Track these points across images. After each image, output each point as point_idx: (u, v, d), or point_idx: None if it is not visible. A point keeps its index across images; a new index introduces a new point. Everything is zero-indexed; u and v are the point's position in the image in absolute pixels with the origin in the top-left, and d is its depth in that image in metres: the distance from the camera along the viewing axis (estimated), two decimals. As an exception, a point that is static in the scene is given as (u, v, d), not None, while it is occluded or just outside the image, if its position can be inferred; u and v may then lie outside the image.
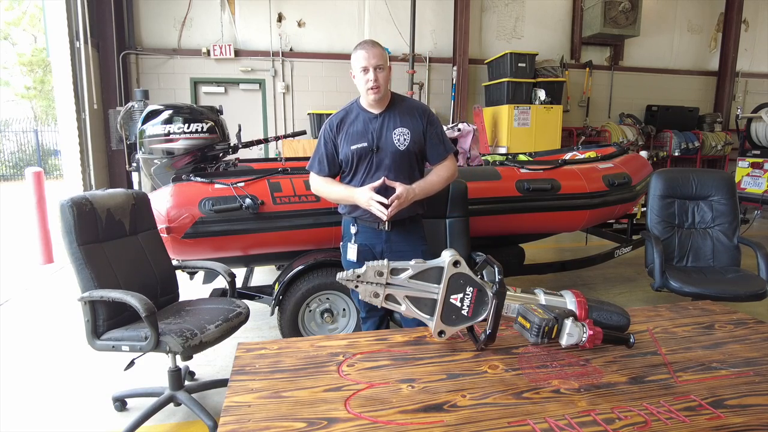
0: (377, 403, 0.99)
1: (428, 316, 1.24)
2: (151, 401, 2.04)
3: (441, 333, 1.24)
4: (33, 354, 2.80)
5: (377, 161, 1.90)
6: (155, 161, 2.65)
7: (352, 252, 1.98)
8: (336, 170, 2.00)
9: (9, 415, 2.18)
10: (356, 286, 1.21)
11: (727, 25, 8.51)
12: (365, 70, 1.82)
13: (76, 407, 2.24)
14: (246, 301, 2.26)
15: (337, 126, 1.95)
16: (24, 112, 17.78)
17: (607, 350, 1.23)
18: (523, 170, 2.95)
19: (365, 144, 1.89)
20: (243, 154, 3.73)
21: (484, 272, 1.29)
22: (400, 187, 1.81)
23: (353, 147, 1.90)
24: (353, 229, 1.99)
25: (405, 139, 1.89)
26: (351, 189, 1.90)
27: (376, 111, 1.92)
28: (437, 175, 1.96)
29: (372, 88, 1.83)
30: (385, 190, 1.84)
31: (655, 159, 7.85)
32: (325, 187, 2.00)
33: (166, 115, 2.61)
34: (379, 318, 2.07)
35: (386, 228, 1.93)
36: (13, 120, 14.72)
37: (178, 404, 2.10)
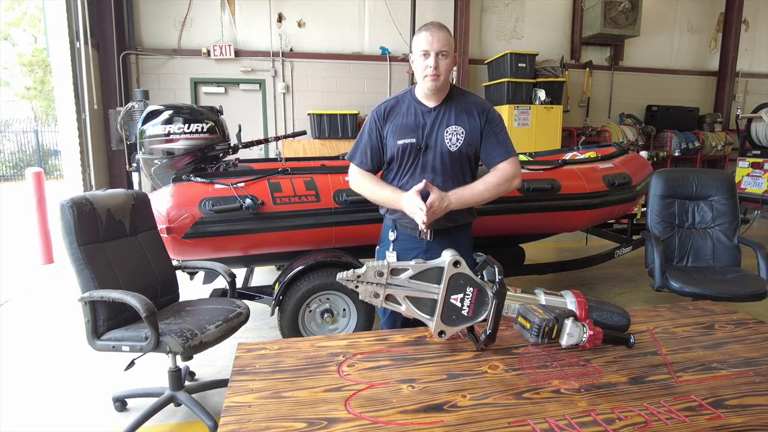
0: (377, 404, 0.99)
1: (428, 317, 1.24)
2: (152, 401, 2.04)
3: (441, 333, 1.24)
4: (33, 354, 2.80)
5: (423, 161, 1.72)
6: (155, 161, 2.65)
7: (389, 259, 1.81)
8: (380, 164, 1.80)
9: (9, 415, 2.18)
10: (356, 286, 1.21)
11: (727, 25, 8.51)
12: (426, 54, 1.63)
13: (76, 407, 2.24)
14: (246, 302, 2.26)
15: (385, 114, 1.76)
16: (24, 112, 17.81)
17: (608, 350, 1.23)
18: (523, 170, 2.95)
19: (413, 140, 1.71)
20: (243, 154, 3.72)
21: (484, 272, 1.29)
22: (433, 194, 1.61)
23: (400, 142, 1.71)
24: (392, 236, 1.81)
25: (458, 139, 1.71)
26: (397, 193, 1.70)
27: (431, 104, 1.73)
28: (483, 182, 1.72)
29: (431, 76, 1.64)
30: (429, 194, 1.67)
31: (655, 159, 7.85)
32: (367, 186, 1.80)
33: (166, 115, 2.61)
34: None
35: (428, 237, 1.74)
36: (13, 120, 14.75)
37: (178, 404, 2.10)
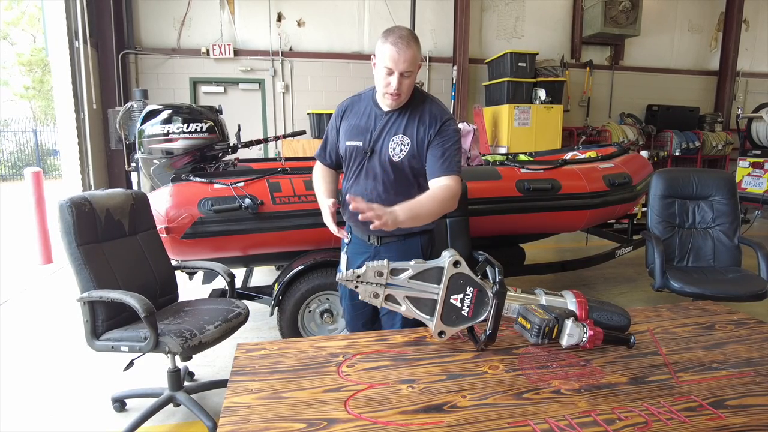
0: (377, 404, 0.98)
1: (428, 317, 1.23)
2: (151, 402, 2.04)
3: (441, 333, 1.23)
4: (33, 354, 2.80)
5: (367, 167, 1.66)
6: (154, 161, 2.65)
7: (342, 261, 1.80)
8: (339, 160, 1.77)
9: (9, 415, 2.18)
10: (356, 287, 1.20)
11: (728, 25, 8.50)
12: (390, 71, 1.53)
13: (76, 407, 2.24)
14: (245, 302, 2.25)
15: (343, 112, 1.74)
16: (23, 112, 17.78)
17: (608, 351, 1.23)
18: (523, 170, 2.95)
19: (360, 143, 1.65)
20: (242, 154, 3.72)
21: (485, 271, 1.29)
22: (379, 210, 1.32)
23: (348, 143, 1.68)
24: (347, 239, 1.78)
25: (401, 150, 1.61)
26: (322, 200, 1.71)
27: (386, 108, 1.65)
28: (431, 198, 1.53)
29: (392, 95, 1.57)
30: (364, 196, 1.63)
31: (655, 159, 7.84)
32: (315, 181, 1.82)
33: (165, 114, 2.61)
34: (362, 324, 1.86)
35: (376, 243, 1.71)
36: (12, 120, 14.72)
37: (177, 405, 2.10)
